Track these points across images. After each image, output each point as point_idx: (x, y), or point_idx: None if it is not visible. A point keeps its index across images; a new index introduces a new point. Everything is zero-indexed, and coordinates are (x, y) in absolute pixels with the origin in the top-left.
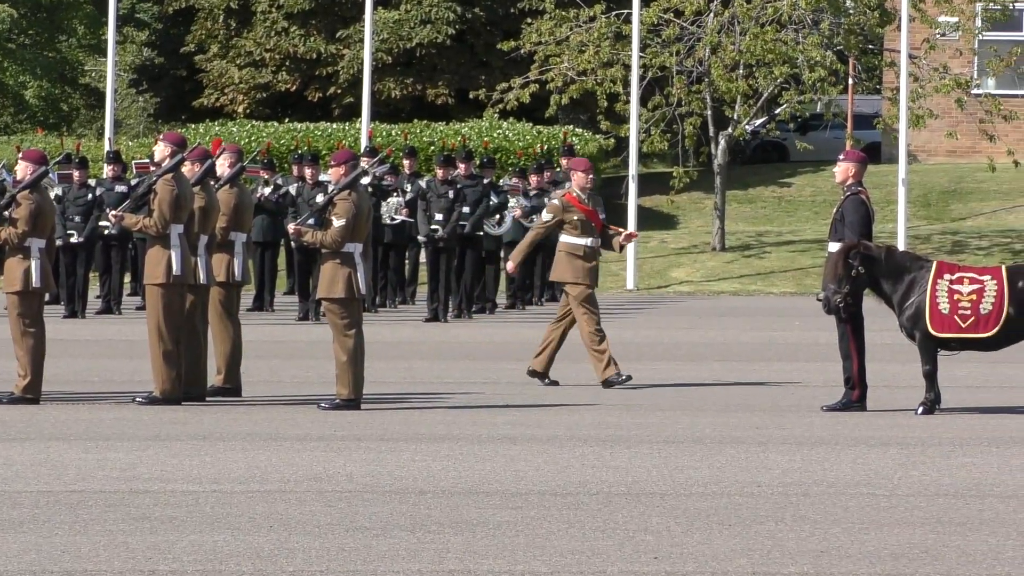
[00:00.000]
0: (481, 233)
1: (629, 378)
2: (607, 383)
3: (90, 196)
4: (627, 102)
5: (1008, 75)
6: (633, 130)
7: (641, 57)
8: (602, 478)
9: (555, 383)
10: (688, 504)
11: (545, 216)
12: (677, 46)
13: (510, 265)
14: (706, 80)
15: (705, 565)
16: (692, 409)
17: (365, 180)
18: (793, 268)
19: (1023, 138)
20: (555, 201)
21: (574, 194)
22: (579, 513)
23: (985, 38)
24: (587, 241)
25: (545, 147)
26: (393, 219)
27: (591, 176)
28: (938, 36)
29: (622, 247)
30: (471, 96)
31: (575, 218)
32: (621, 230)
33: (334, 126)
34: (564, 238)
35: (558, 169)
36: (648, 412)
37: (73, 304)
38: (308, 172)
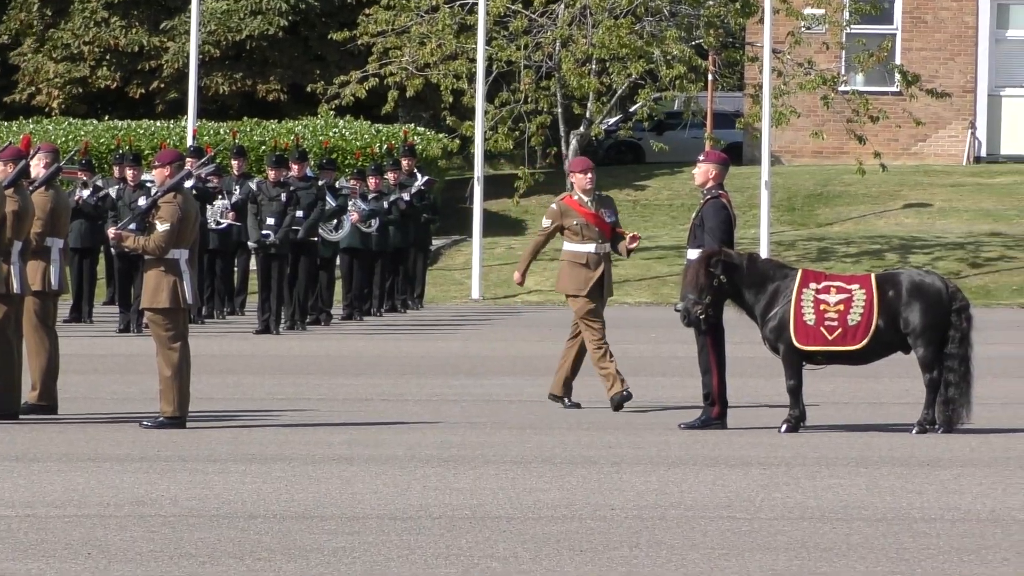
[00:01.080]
0: (316, 239)
1: (630, 396)
2: (614, 402)
3: None
4: (472, 98)
5: (878, 71)
6: (478, 128)
7: (487, 50)
8: (445, 501)
9: (576, 405)
10: (537, 528)
11: (544, 222)
12: (525, 39)
13: (516, 275)
14: (556, 76)
15: None
16: (541, 427)
17: (190, 182)
18: (649, 276)
19: (892, 138)
20: (553, 206)
21: (574, 197)
22: (420, 538)
23: (853, 31)
24: (590, 248)
25: (384, 147)
26: (219, 223)
27: (591, 176)
28: (803, 29)
29: (629, 252)
30: (306, 91)
31: (574, 223)
32: (628, 233)
33: (158, 124)
34: (565, 245)
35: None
36: (494, 430)
37: None
38: (130, 173)
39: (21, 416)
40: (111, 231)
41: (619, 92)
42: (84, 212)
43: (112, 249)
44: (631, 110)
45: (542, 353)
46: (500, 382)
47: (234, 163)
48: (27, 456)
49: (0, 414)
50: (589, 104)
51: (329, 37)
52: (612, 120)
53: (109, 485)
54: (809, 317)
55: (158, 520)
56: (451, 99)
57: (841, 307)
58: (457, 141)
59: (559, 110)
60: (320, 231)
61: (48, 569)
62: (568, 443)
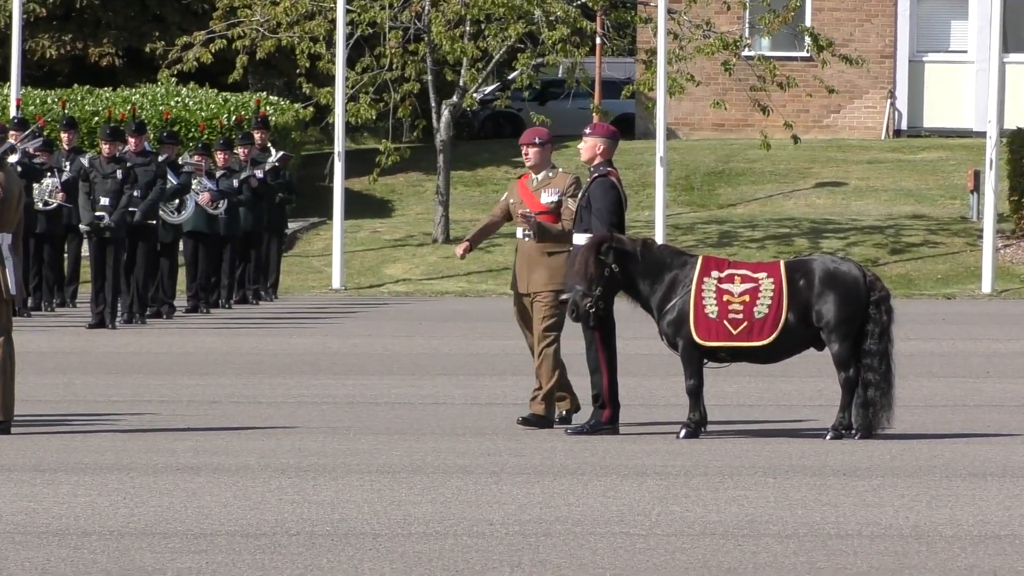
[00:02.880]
0: (155, 221)
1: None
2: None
3: None
4: (330, 63)
5: (785, 34)
6: (338, 97)
7: (348, 11)
8: (303, 515)
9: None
10: (406, 546)
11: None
12: None
13: (458, 248)
14: (425, 39)
15: None
16: (411, 432)
17: (14, 158)
18: None
19: (803, 109)
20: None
21: (529, 175)
22: (276, 557)
23: None
24: (519, 233)
25: (233, 118)
26: (47, 204)
27: (527, 150)
28: None
29: (529, 236)
30: (144, 55)
31: (512, 202)
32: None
33: None
34: None
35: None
36: (358, 436)
37: None
38: None
39: None
40: None
41: (496, 57)
42: None
43: None
44: (509, 77)
45: (411, 350)
46: (365, 382)
47: (63, 136)
48: None
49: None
50: (463, 71)
51: None
52: (488, 89)
53: None
54: (711, 309)
55: None
56: (307, 64)
57: (746, 298)
58: (312, 110)
59: (429, 77)
60: (161, 213)
61: None
62: (441, 450)
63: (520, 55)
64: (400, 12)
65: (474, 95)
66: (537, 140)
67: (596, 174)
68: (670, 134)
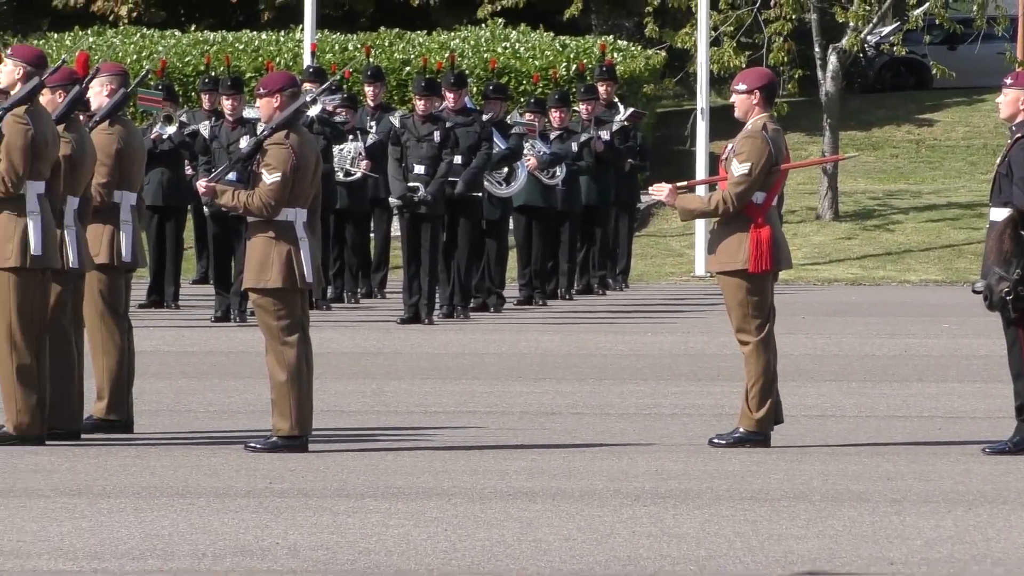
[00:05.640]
0: (481, 194)
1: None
2: None
3: None
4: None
5: None
6: (702, 40)
7: None
8: (662, 551)
9: None
10: None
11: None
12: None
13: None
14: None
15: None
16: (792, 451)
17: (314, 110)
18: (939, 245)
19: None
20: None
21: None
22: None
23: None
24: None
25: (573, 68)
26: (350, 173)
27: (737, 97)
28: None
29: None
30: None
31: None
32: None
33: (263, 37)
34: None
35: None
36: (726, 455)
37: None
38: (227, 104)
39: (84, 435)
40: (201, 183)
41: None
42: (165, 156)
43: (204, 208)
44: (913, 13)
45: (791, 350)
46: (734, 389)
47: (368, 90)
48: (93, 490)
49: (57, 432)
50: (854, 7)
51: None
52: (886, 30)
53: (204, 530)
54: None
55: None
56: (657, 1)
57: None
58: (666, 56)
59: (812, 16)
60: (486, 183)
61: None
62: (830, 473)
63: None
64: None
65: (867, 37)
66: (741, 86)
67: (1020, 134)
68: None
